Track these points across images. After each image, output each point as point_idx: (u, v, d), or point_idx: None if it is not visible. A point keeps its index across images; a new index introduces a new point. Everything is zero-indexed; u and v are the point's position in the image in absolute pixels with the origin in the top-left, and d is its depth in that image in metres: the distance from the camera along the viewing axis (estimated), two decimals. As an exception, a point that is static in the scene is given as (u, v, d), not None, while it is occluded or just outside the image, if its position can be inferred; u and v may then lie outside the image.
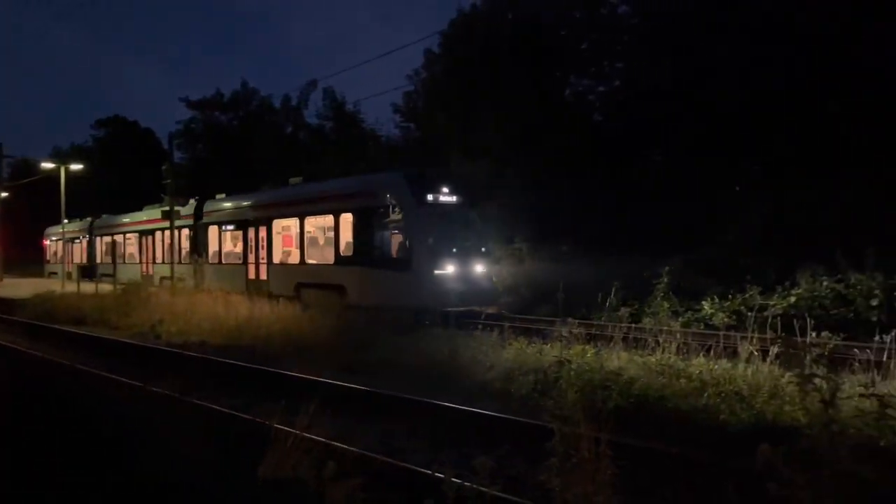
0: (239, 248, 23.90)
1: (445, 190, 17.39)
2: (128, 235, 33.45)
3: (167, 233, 26.93)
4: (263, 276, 22.00)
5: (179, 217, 24.95)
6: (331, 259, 19.08)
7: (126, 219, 33.52)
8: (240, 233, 23.64)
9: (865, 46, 18.84)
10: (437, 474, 4.96)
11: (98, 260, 35.96)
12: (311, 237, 20.72)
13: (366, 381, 10.41)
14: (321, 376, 10.66)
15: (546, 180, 24.80)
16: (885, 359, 8.78)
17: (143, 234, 31.09)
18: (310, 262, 20.23)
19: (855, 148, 18.97)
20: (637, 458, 5.74)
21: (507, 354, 10.52)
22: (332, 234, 19.22)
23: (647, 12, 26.06)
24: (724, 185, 22.22)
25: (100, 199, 45.03)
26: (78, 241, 38.75)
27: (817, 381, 4.48)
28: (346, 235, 18.60)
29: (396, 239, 17.10)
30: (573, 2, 28.56)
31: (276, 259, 21.79)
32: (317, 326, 14.66)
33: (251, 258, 22.78)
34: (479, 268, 17.19)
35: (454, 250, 16.90)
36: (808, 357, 7.00)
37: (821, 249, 16.70)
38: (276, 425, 6.15)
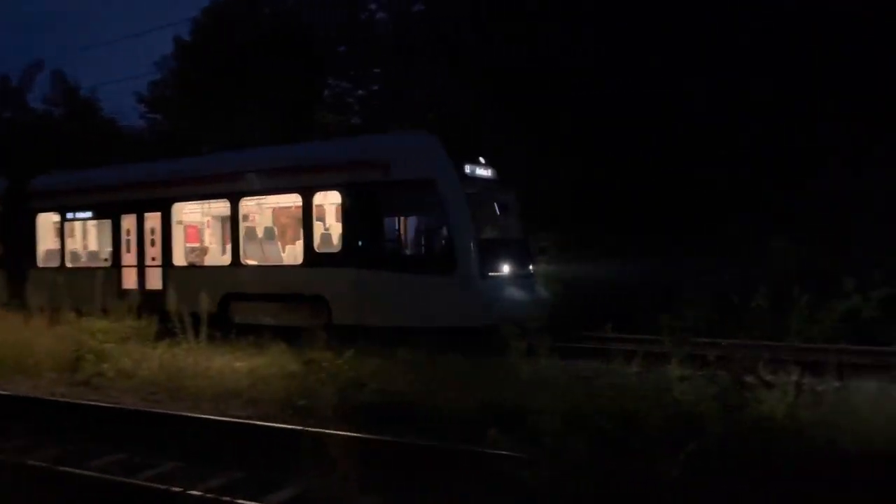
0: (105, 245, 17.49)
1: (482, 161, 13.27)
2: None
3: None
4: (155, 284, 15.63)
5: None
6: (297, 258, 13.84)
7: None
8: (107, 222, 17.19)
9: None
10: (173, 489, 4.67)
11: None
12: (249, 227, 15.02)
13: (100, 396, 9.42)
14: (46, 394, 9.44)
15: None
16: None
17: None
18: (249, 262, 14.52)
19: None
20: (389, 452, 5.92)
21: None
22: (298, 221, 14.03)
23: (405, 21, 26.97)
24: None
25: None
26: None
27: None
28: (327, 223, 13.96)
29: (425, 228, 12.99)
30: (332, 2, 28.68)
31: (180, 260, 15.67)
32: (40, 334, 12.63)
33: (128, 258, 16.32)
34: (532, 267, 13.65)
35: (505, 245, 13.08)
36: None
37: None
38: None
